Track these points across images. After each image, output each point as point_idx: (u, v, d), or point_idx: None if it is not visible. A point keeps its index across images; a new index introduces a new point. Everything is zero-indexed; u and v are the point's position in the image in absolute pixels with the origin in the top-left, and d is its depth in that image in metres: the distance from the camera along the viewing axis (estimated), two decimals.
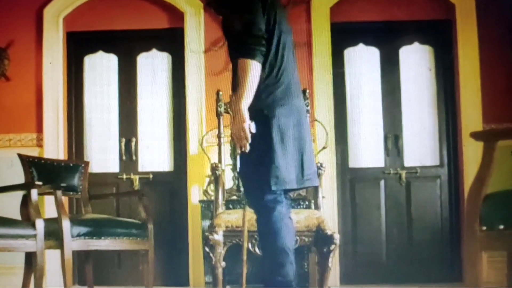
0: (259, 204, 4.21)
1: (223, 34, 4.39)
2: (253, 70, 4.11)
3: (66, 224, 5.37)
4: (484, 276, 3.45)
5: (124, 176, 7.61)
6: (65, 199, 5.77)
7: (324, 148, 6.87)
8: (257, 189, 4.19)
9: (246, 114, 4.06)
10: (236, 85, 4.19)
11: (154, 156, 7.67)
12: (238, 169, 4.23)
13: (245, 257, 4.15)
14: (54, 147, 7.38)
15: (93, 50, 7.80)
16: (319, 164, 5.50)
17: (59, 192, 5.46)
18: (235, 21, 4.26)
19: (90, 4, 7.65)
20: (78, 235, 5.47)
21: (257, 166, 4.14)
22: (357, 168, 7.61)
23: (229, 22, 4.33)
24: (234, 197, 6.02)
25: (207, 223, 6.58)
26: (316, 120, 6.98)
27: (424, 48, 7.72)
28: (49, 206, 6.52)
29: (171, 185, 7.60)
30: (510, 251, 3.73)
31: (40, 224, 5.32)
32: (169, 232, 7.44)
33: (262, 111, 4.17)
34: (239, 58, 4.17)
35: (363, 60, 7.73)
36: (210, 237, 5.15)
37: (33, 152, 7.09)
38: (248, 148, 4.06)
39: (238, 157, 4.17)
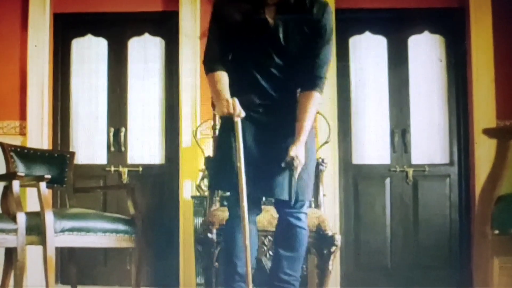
0: None
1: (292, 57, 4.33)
2: None
3: (49, 218, 5.34)
4: (496, 283, 3.44)
5: (112, 169, 7.60)
6: (48, 192, 5.74)
7: (326, 142, 6.84)
8: None
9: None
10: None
11: (145, 147, 7.67)
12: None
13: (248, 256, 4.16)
14: (38, 136, 7.36)
15: (81, 33, 7.79)
16: (320, 160, 5.47)
17: (42, 184, 5.44)
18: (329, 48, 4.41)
19: None
20: (62, 231, 5.45)
21: None
22: (361, 164, 7.61)
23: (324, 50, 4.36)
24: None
25: (199, 220, 6.56)
26: (317, 113, 6.96)
27: (434, 38, 7.71)
28: (31, 199, 6.51)
29: (162, 179, 7.60)
30: None
31: (21, 218, 5.31)
32: (159, 229, 7.44)
33: None
34: (315, 91, 4.32)
35: (369, 50, 7.73)
36: (203, 235, 5.14)
37: (16, 140, 7.07)
38: None
39: None
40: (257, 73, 4.30)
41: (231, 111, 4.15)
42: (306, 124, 4.25)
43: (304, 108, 4.27)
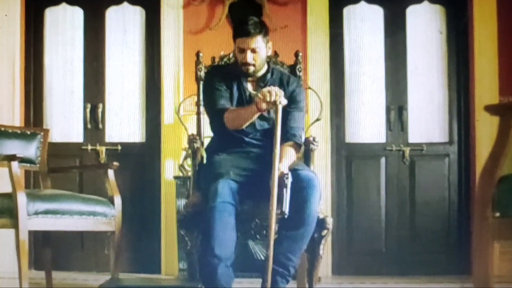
0: None
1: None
2: None
3: (21, 200, 5.34)
4: (496, 268, 3.47)
5: (89, 147, 7.61)
6: (21, 172, 5.73)
7: (317, 120, 6.89)
8: None
9: None
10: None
11: (124, 125, 7.67)
12: None
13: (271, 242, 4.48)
14: (9, 112, 7.37)
15: (55, 2, 7.77)
16: (311, 138, 5.49)
17: (14, 164, 5.43)
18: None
19: None
20: (36, 213, 5.44)
21: None
22: (354, 143, 7.63)
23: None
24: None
25: (182, 202, 6.58)
26: (309, 88, 6.98)
27: (434, 8, 7.72)
28: (2, 180, 6.51)
29: (143, 158, 7.62)
30: None
31: None
32: (139, 212, 7.46)
33: None
34: (293, 141, 4.89)
35: (364, 20, 7.74)
36: (186, 218, 5.15)
37: None
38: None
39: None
40: (242, 135, 4.94)
41: (274, 98, 4.60)
42: (286, 159, 4.73)
43: (283, 150, 4.75)
